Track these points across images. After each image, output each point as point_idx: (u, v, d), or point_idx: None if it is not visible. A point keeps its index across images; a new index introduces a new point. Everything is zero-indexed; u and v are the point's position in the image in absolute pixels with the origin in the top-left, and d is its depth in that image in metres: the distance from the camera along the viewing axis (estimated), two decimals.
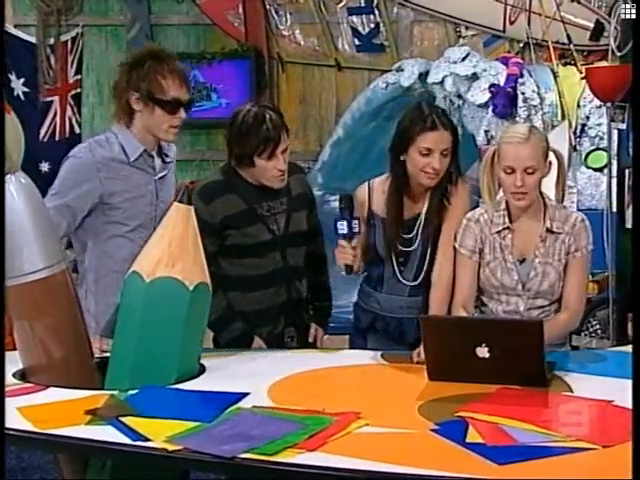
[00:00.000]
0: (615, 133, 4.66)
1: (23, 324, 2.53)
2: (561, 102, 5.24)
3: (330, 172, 6.30)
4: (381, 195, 2.97)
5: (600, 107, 5.09)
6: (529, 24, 5.99)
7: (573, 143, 5.11)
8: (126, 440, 2.06)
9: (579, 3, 5.90)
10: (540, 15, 5.82)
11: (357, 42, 6.51)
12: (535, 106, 5.24)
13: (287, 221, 3.00)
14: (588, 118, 5.18)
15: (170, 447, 2.01)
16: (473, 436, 2.01)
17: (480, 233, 2.83)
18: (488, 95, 5.31)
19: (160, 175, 3.02)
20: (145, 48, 3.06)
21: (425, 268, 2.93)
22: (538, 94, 5.27)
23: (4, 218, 2.45)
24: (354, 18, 6.49)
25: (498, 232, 2.81)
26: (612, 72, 4.69)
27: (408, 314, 2.96)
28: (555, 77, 5.35)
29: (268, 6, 6.60)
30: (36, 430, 2.14)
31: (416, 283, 2.96)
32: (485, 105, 5.34)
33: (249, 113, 2.88)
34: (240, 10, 6.62)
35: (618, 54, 4.69)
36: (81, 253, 3.01)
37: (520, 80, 5.30)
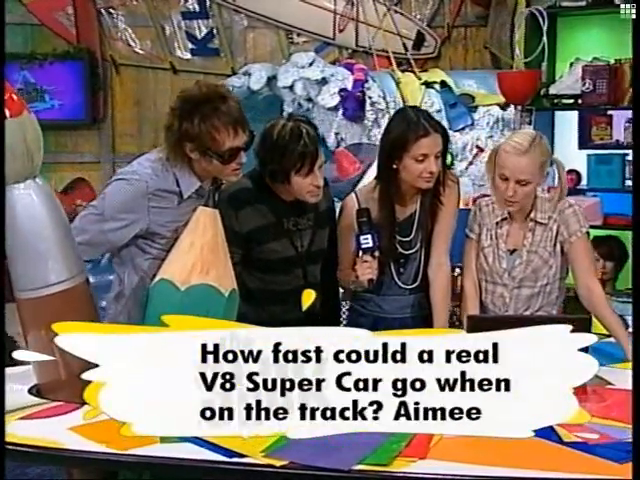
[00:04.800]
0: None
1: (40, 336, 2.37)
2: None
3: None
4: (371, 203, 2.97)
5: (440, 112, 5.60)
6: (357, 33, 6.42)
7: None
8: (217, 457, 1.99)
9: (402, 15, 6.41)
10: (368, 25, 6.28)
11: (192, 46, 6.59)
12: (382, 110, 5.65)
13: (312, 238, 2.97)
14: None
15: (276, 462, 1.95)
16: (567, 435, 2.01)
17: (481, 219, 3.03)
18: (338, 99, 5.66)
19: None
20: (194, 92, 2.73)
21: (422, 270, 3.01)
22: (384, 98, 5.68)
23: (4, 221, 2.36)
24: (189, 22, 6.57)
25: (497, 222, 3.00)
26: (521, 77, 5.12)
27: (411, 313, 3.04)
28: (397, 83, 5.78)
29: (100, 8, 6.54)
30: (119, 452, 2.05)
31: (415, 285, 3.02)
32: (335, 108, 5.68)
33: (284, 128, 2.78)
34: (70, 11, 6.49)
35: (523, 61, 5.13)
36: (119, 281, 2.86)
37: (366, 85, 5.69)
